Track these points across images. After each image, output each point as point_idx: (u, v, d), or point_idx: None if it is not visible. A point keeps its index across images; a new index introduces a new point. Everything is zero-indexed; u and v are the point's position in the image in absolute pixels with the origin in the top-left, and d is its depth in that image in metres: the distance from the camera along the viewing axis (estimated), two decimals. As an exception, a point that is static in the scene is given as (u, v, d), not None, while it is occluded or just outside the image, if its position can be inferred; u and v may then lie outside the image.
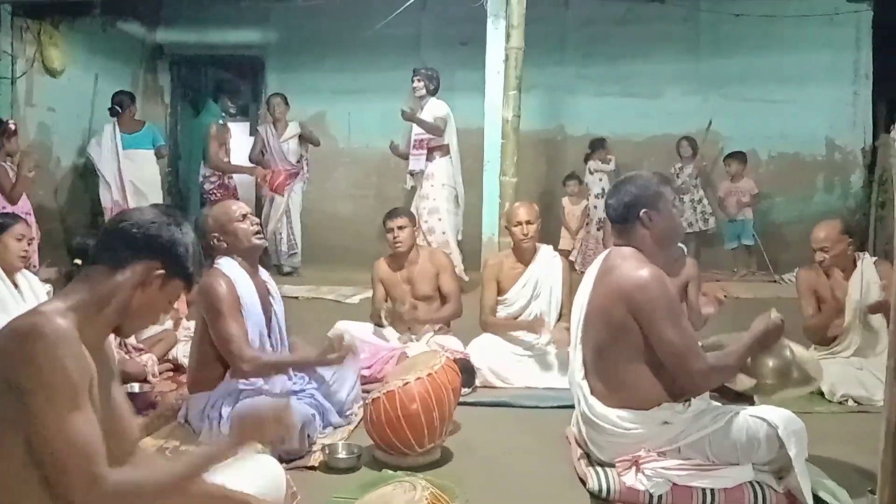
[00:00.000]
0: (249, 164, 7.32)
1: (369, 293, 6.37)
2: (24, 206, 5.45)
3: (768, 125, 7.69)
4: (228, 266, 3.26)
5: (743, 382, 2.78)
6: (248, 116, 9.15)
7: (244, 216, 3.31)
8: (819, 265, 4.22)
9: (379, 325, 4.53)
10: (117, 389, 1.81)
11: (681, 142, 7.40)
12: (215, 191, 7.01)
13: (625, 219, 2.84)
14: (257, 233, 3.33)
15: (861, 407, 3.87)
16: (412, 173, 6.63)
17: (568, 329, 4.06)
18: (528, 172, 6.63)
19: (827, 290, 4.26)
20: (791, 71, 7.59)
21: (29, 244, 3.90)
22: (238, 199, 5.34)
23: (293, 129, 7.26)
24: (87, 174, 7.39)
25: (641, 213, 2.79)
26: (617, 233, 2.93)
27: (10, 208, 5.18)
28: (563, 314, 4.41)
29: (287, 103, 7.21)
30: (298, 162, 7.27)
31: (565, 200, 7.48)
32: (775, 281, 6.82)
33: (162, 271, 1.71)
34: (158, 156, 6.98)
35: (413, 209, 6.22)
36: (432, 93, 6.48)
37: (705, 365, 2.67)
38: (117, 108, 6.75)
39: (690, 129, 7.53)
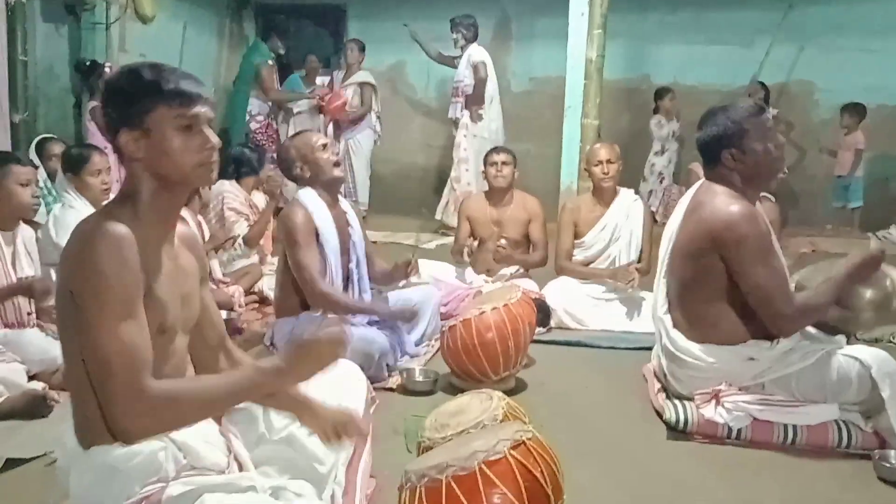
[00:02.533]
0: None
1: (446, 240, 6.48)
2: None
3: (866, 77, 7.28)
4: (307, 197, 3.34)
5: (832, 314, 2.68)
6: (330, 69, 9.24)
7: (324, 146, 3.37)
8: None
9: (459, 262, 4.54)
10: (202, 286, 1.82)
11: (750, 88, 7.10)
12: (261, 131, 7.16)
13: (711, 157, 2.76)
14: (337, 164, 3.39)
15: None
16: (453, 120, 6.71)
17: (637, 270, 4.09)
18: (610, 122, 6.52)
19: None
20: (889, 20, 7.15)
21: (108, 175, 3.98)
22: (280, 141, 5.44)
23: (360, 76, 7.29)
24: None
25: (724, 154, 2.69)
26: (706, 168, 2.84)
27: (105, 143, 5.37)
28: (643, 259, 4.34)
29: (362, 50, 7.23)
30: (363, 112, 7.30)
31: None
32: (868, 237, 6.52)
33: (125, 129, 1.60)
34: None
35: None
36: (471, 40, 6.62)
37: (794, 308, 2.59)
38: None
39: (783, 78, 7.22)
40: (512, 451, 1.62)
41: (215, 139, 1.65)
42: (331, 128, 7.32)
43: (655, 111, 7.38)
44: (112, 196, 4.22)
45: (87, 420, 1.63)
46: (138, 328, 1.55)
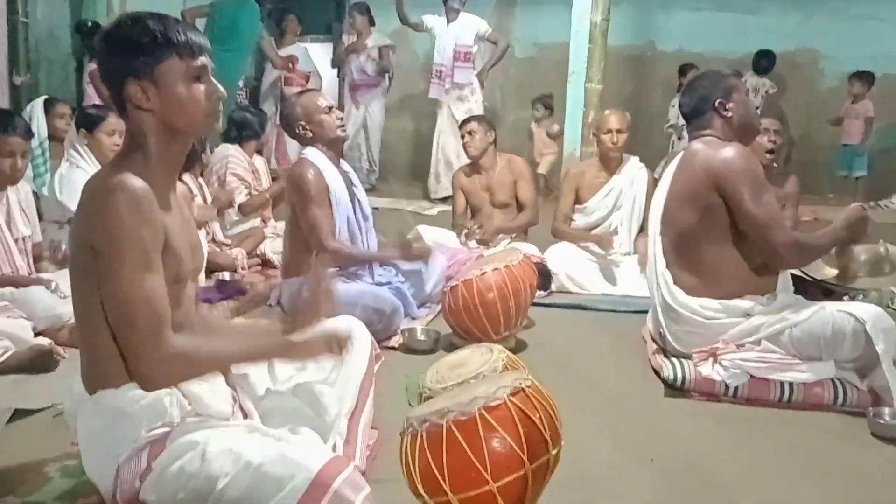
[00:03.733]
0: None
1: (448, 207, 6.49)
2: None
3: (874, 45, 7.22)
4: (314, 155, 3.35)
5: (825, 272, 2.73)
6: (332, 35, 9.15)
7: (329, 108, 3.39)
8: None
9: (464, 242, 4.56)
10: (198, 237, 1.87)
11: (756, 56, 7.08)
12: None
13: (700, 112, 2.87)
14: (341, 125, 3.40)
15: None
16: (460, 86, 6.67)
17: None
18: (614, 89, 6.48)
19: None
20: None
21: (121, 137, 3.99)
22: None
23: (377, 39, 7.25)
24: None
25: (717, 103, 2.82)
26: (694, 130, 2.92)
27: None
28: (645, 227, 4.34)
29: (367, 12, 7.17)
30: (380, 76, 7.26)
31: (533, 125, 7.22)
32: (872, 206, 6.52)
33: (132, 79, 1.60)
34: None
35: (447, 124, 6.56)
36: (463, 4, 6.65)
37: (790, 238, 2.68)
38: None
39: (789, 46, 7.17)
40: (511, 398, 1.65)
41: (222, 90, 1.69)
42: (348, 93, 7.30)
43: (680, 89, 7.29)
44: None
45: (94, 366, 1.67)
46: (159, 280, 1.60)
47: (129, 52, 1.61)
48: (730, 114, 2.83)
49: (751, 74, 7.11)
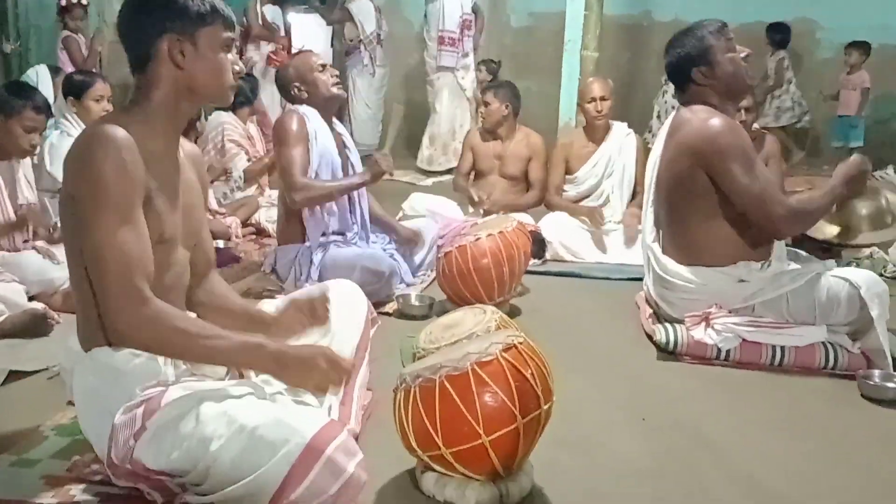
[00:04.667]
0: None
1: (443, 178, 6.48)
2: None
3: (870, 16, 7.17)
4: (305, 109, 3.34)
5: (825, 232, 2.72)
6: (325, 4, 9.01)
7: (324, 67, 3.37)
8: None
9: (473, 204, 4.54)
10: (197, 201, 1.86)
11: (769, 29, 6.99)
12: None
13: (682, 80, 2.81)
14: (336, 83, 3.38)
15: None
16: (466, 54, 6.65)
17: (637, 215, 4.02)
18: (610, 57, 6.44)
19: None
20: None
21: (109, 102, 3.95)
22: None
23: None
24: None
25: (693, 72, 2.75)
26: (680, 93, 2.88)
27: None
28: (637, 193, 4.34)
29: None
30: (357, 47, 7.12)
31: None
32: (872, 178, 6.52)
33: (175, 36, 1.65)
34: None
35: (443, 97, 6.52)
36: None
37: (787, 208, 2.63)
38: None
39: (786, 16, 7.11)
40: (503, 354, 1.66)
41: (241, 64, 1.80)
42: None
43: None
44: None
45: (88, 323, 1.67)
46: (136, 234, 1.58)
47: (174, 10, 1.66)
48: (711, 80, 2.74)
49: (769, 56, 7.03)
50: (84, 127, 3.56)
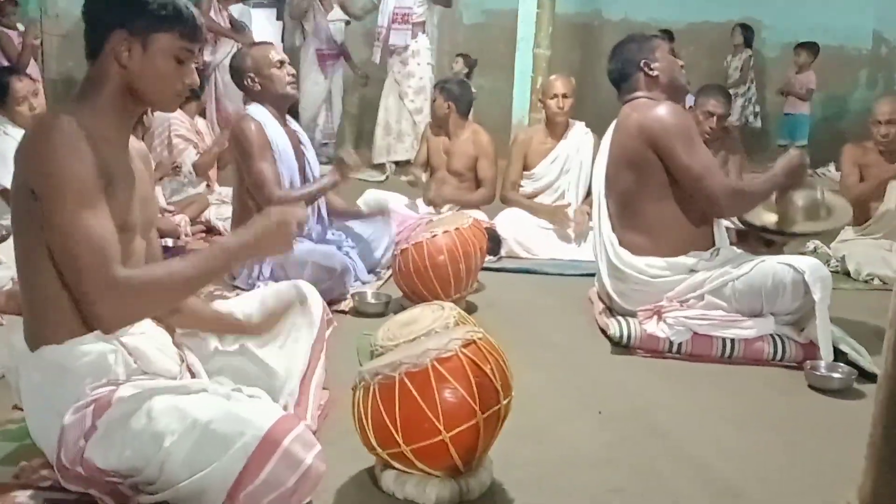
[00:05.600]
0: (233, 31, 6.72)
1: (399, 176, 6.44)
2: (33, 72, 5.48)
3: (812, 16, 7.40)
4: (257, 112, 3.29)
5: (763, 219, 2.83)
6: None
7: (282, 63, 3.31)
8: (880, 141, 4.13)
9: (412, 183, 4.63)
10: (150, 194, 1.82)
11: (734, 29, 7.15)
12: None
13: (627, 75, 2.94)
14: (292, 83, 3.33)
15: (886, 286, 3.87)
16: (393, 49, 6.56)
17: (589, 213, 4.07)
18: (562, 55, 6.49)
19: (871, 168, 4.21)
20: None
21: (35, 97, 3.79)
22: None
23: (340, 12, 6.97)
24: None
25: (641, 63, 2.90)
26: (624, 94, 2.99)
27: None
28: (591, 192, 4.39)
29: None
30: (342, 44, 7.06)
31: None
32: (811, 175, 6.72)
33: (126, 33, 1.59)
34: None
35: (391, 86, 6.47)
36: None
37: (726, 185, 2.78)
38: None
39: (733, 16, 7.28)
40: (463, 349, 1.66)
41: (196, 78, 1.71)
42: (315, 63, 6.89)
43: None
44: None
45: (37, 321, 1.62)
46: (103, 219, 1.55)
47: (132, 6, 1.60)
48: (656, 73, 2.90)
49: (732, 56, 7.17)
50: (18, 126, 3.52)
